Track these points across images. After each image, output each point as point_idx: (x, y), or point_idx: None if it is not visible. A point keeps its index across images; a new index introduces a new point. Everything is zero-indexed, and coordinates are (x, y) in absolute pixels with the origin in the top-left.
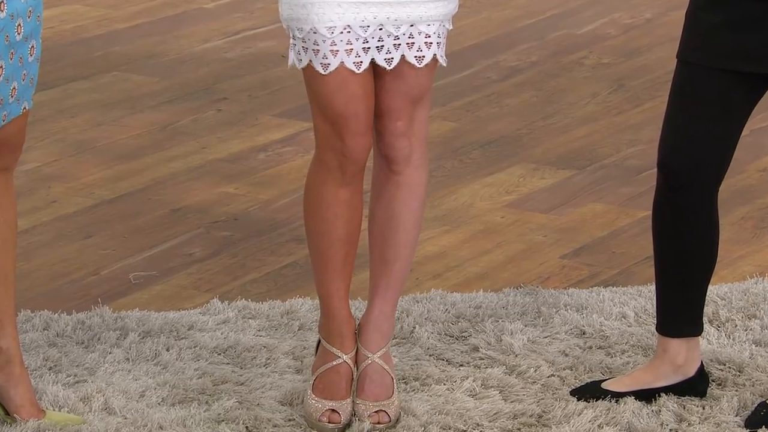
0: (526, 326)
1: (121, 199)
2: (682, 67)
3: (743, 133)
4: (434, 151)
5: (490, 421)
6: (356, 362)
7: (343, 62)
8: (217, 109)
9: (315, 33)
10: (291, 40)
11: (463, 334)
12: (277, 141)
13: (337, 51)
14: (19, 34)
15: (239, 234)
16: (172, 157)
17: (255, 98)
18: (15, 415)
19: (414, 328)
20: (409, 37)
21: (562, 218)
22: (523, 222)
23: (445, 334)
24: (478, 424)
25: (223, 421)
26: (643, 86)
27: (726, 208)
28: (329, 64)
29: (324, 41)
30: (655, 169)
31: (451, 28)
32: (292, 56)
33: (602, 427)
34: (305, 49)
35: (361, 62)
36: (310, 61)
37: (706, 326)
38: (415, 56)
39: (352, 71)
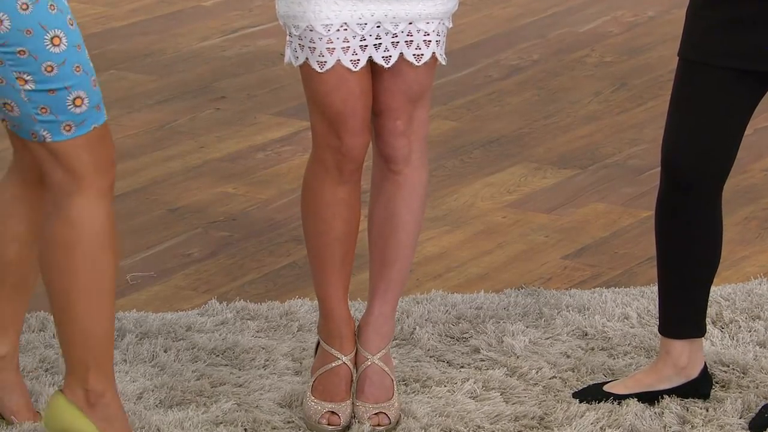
0: (527, 327)
1: (118, 198)
2: (684, 66)
3: (746, 133)
4: (435, 150)
5: (491, 423)
6: (356, 364)
7: (339, 60)
8: (215, 108)
9: (311, 30)
10: (288, 38)
11: (464, 335)
12: (276, 140)
13: (334, 49)
14: None
15: (238, 234)
16: (170, 156)
17: (253, 97)
18: (12, 417)
19: (414, 329)
20: (408, 35)
21: (563, 218)
22: (525, 222)
23: (446, 335)
24: (479, 427)
25: (221, 423)
26: (645, 85)
27: (729, 208)
28: (326, 62)
29: (320, 39)
30: (658, 169)
31: (450, 26)
32: (288, 54)
33: (604, 430)
34: (302, 47)
35: (359, 60)
36: (307, 58)
37: (710, 327)
38: (414, 54)
39: (349, 69)
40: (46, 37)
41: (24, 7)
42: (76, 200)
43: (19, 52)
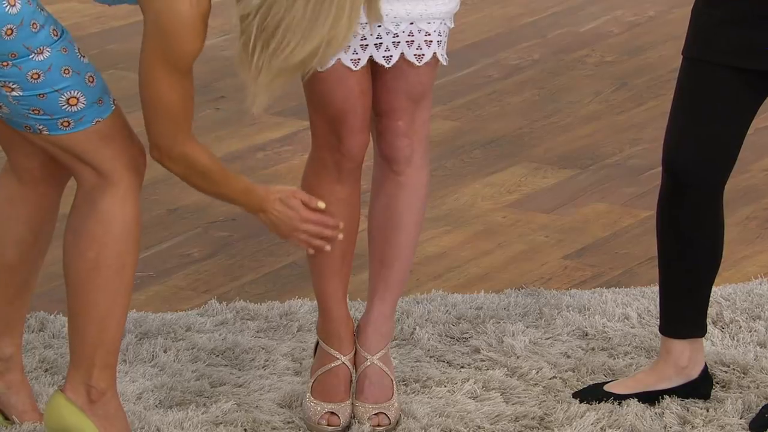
0: (527, 327)
1: None
2: (687, 65)
3: (748, 132)
4: (435, 150)
5: (491, 424)
6: (355, 364)
7: (339, 59)
8: (215, 107)
9: None
10: None
11: (464, 335)
12: (276, 140)
13: None
14: None
15: (237, 234)
16: None
17: None
18: (14, 417)
19: (414, 329)
20: (409, 35)
21: (564, 218)
22: (525, 222)
23: (446, 335)
24: (479, 427)
25: (221, 423)
26: (646, 85)
27: (730, 208)
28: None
29: None
30: (659, 169)
31: (452, 26)
32: None
33: (605, 430)
34: None
35: (359, 59)
36: None
37: (710, 327)
38: (415, 54)
39: (350, 68)
40: (30, 55)
41: (8, 33)
42: (108, 196)
43: (2, 64)
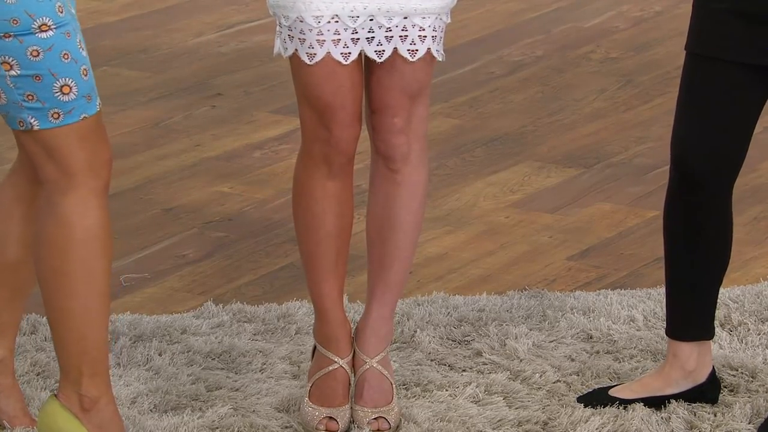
0: (531, 330)
1: (111, 198)
2: (690, 60)
3: (756, 130)
4: (436, 148)
5: (493, 429)
6: (354, 367)
7: (329, 53)
8: (211, 105)
9: (301, 22)
10: (277, 28)
11: (466, 338)
12: (273, 138)
13: (324, 41)
14: None
15: (234, 235)
16: (165, 155)
17: (250, 94)
18: (4, 422)
19: (415, 332)
20: (403, 30)
21: (568, 218)
22: (528, 222)
23: (447, 338)
24: None
25: (217, 428)
26: (652, 81)
27: (738, 208)
28: (315, 54)
29: (310, 30)
30: (665, 168)
31: (448, 21)
32: (278, 44)
33: None
34: (291, 38)
35: (349, 53)
36: (296, 50)
37: (718, 330)
38: (408, 50)
39: (340, 62)
40: (33, 25)
41: None
42: (68, 199)
43: (4, 36)
